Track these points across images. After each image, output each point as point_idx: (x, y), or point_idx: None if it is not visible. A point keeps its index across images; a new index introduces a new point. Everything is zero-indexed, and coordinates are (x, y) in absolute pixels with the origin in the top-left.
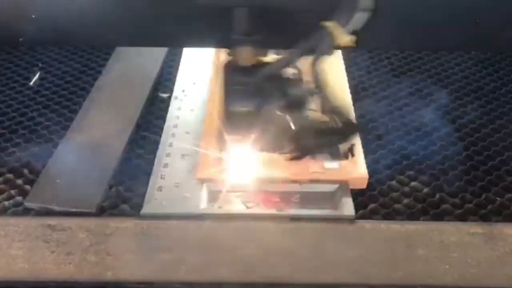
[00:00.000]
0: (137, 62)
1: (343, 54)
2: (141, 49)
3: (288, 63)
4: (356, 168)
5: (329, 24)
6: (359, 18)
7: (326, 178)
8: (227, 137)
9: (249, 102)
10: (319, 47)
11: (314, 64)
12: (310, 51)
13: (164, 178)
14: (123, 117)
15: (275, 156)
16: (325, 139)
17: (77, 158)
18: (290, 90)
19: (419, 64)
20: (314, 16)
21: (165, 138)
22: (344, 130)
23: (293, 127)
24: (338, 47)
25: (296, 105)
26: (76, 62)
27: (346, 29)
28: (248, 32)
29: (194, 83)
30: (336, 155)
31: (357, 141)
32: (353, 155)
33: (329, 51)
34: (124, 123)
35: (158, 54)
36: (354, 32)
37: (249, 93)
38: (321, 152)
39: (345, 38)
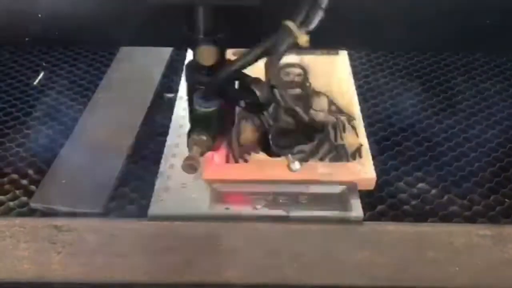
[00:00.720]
0: (142, 62)
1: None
2: (145, 49)
3: (248, 62)
4: (364, 169)
5: (288, 23)
6: (317, 17)
7: (334, 179)
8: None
9: (211, 102)
10: (278, 46)
11: (271, 63)
12: (270, 50)
13: (170, 179)
14: (129, 117)
15: (283, 158)
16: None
17: (82, 159)
18: (255, 89)
19: (425, 65)
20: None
21: (171, 138)
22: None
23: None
24: (295, 47)
25: (261, 105)
26: (81, 62)
27: (304, 29)
28: (210, 31)
29: None
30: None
31: (364, 142)
32: (360, 156)
33: (286, 50)
34: (130, 123)
35: (163, 54)
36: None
37: (211, 92)
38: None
39: (303, 38)
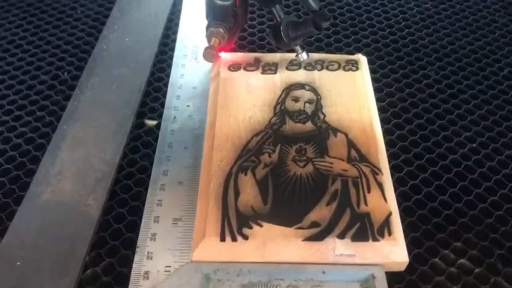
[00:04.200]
0: (117, 75)
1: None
2: (123, 59)
3: None
4: (394, 251)
5: None
6: None
7: (357, 262)
8: None
9: None
10: None
11: None
12: None
13: (151, 258)
14: (102, 159)
15: (292, 234)
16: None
17: (43, 226)
18: None
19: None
20: None
21: (152, 191)
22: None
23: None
24: None
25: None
26: (44, 73)
27: None
28: None
29: (188, 106)
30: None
31: (394, 208)
32: (390, 232)
33: None
34: (103, 168)
35: (143, 65)
36: None
37: None
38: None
39: None
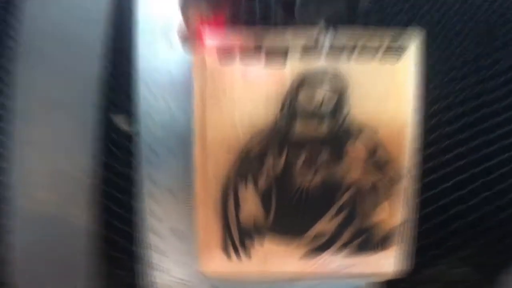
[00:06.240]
0: (62, 64)
1: None
2: (61, 41)
3: None
4: (394, 261)
5: None
6: None
7: (356, 272)
8: None
9: None
10: None
11: None
12: None
13: (154, 270)
14: (76, 165)
15: (294, 247)
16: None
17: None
18: None
19: None
20: None
21: (143, 200)
22: None
23: None
24: None
25: None
26: None
27: None
28: None
29: (165, 101)
30: None
31: (406, 219)
32: (393, 244)
33: None
34: (80, 176)
35: (91, 48)
36: None
37: None
38: None
39: None
